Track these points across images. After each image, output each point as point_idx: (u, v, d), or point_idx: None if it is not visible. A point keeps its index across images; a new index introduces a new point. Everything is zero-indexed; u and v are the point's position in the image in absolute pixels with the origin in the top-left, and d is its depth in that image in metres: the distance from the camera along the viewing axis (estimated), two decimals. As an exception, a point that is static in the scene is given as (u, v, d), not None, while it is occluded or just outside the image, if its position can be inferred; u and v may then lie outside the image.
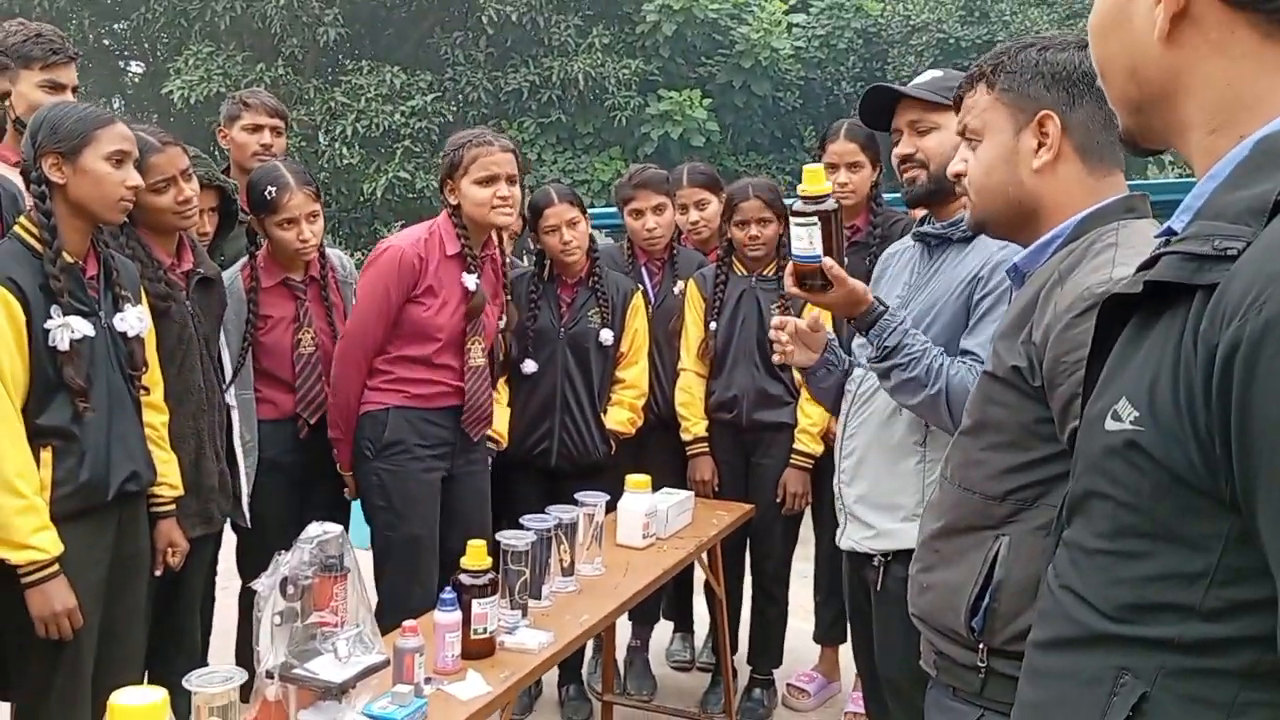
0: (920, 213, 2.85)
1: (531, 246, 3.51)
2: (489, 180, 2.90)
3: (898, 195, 2.44)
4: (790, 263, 2.14)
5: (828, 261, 2.06)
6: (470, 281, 2.93)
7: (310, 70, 14.31)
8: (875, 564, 2.20)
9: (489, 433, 3.24)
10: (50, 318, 2.19)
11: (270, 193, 2.95)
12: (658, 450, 3.59)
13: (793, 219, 2.09)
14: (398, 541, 2.93)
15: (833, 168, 3.34)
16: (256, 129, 3.45)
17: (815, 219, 2.04)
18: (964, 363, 2.06)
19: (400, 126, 13.23)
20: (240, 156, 3.46)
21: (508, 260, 3.79)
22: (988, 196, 1.61)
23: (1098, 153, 1.53)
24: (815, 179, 2.08)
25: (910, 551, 2.09)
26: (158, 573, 2.52)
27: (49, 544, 2.16)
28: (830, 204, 2.08)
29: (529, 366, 3.37)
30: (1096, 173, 1.54)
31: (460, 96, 14.05)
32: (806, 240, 2.06)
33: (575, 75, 13.70)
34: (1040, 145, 1.54)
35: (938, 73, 2.25)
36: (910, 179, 2.20)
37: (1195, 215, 0.81)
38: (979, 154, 1.61)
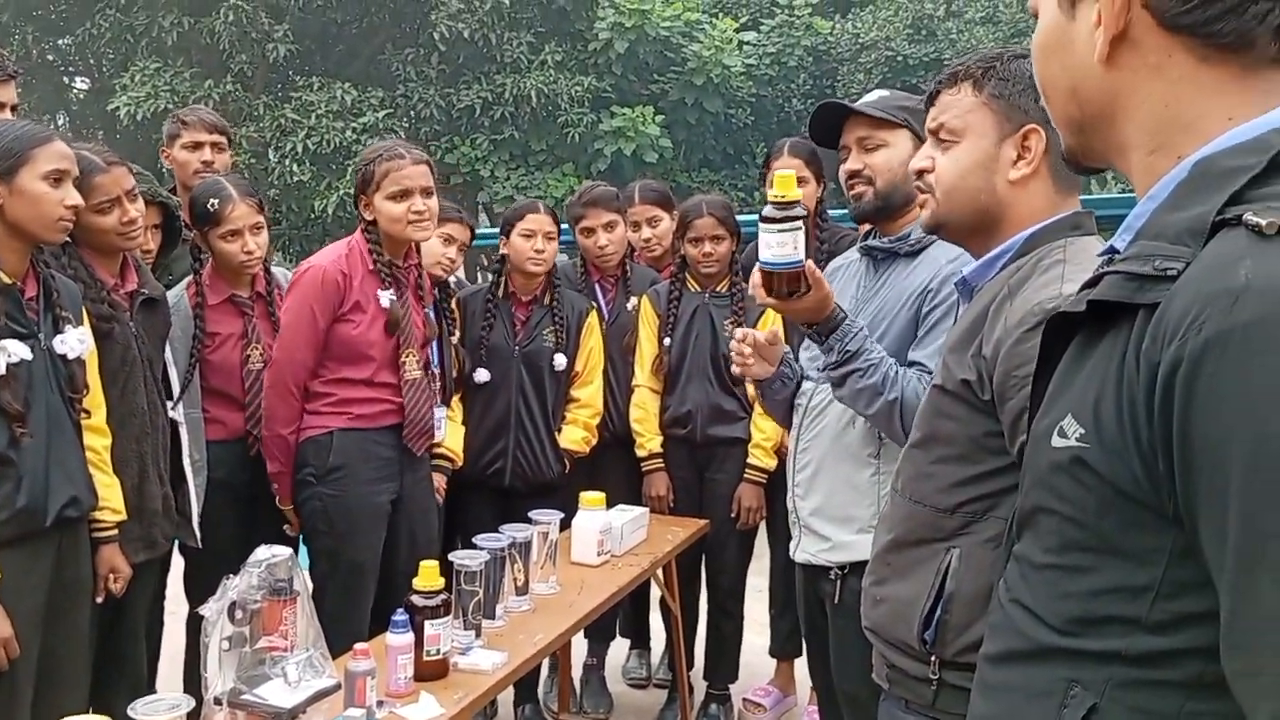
0: (866, 227, 2.90)
1: (485, 263, 3.49)
2: (402, 195, 2.85)
3: (844, 211, 2.45)
4: (760, 272, 2.05)
5: (811, 265, 2.02)
6: (384, 298, 2.88)
7: (260, 87, 14.16)
8: (832, 576, 2.21)
9: (443, 451, 3.22)
10: None
11: (213, 205, 2.92)
12: (613, 467, 3.58)
13: (768, 226, 1.99)
14: (340, 568, 2.88)
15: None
16: (196, 146, 3.42)
17: (800, 223, 1.98)
18: (914, 373, 2.08)
19: (352, 143, 13.10)
20: (183, 175, 3.42)
21: (456, 279, 3.78)
22: (957, 198, 1.60)
23: (1066, 173, 1.55)
24: (788, 184, 2.00)
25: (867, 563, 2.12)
26: (99, 599, 2.46)
27: None
28: (803, 210, 2.03)
29: (481, 375, 3.35)
30: (1063, 191, 1.57)
31: (412, 113, 13.98)
32: (790, 246, 1.98)
33: (528, 92, 13.68)
34: (1020, 158, 1.55)
35: (885, 92, 2.28)
36: (857, 195, 2.22)
37: (1136, 235, 0.83)
38: (956, 154, 1.60)
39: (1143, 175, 0.87)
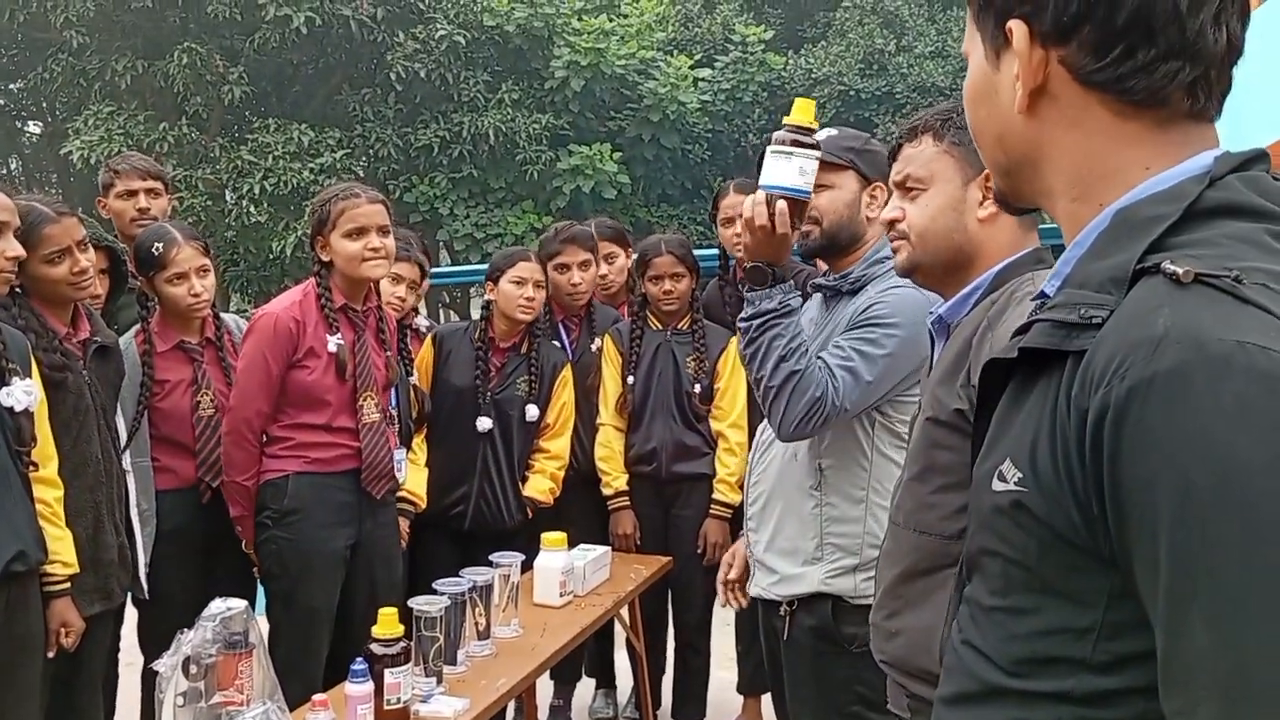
0: (823, 264, 2.94)
1: (446, 300, 3.48)
2: (359, 233, 2.85)
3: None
4: (762, 193, 1.97)
5: (814, 197, 2.00)
6: (331, 343, 2.85)
7: (215, 129, 14.11)
8: (781, 612, 2.21)
9: (405, 494, 3.19)
10: None
11: (157, 249, 2.90)
12: (578, 506, 3.57)
13: (781, 149, 1.91)
14: (295, 611, 2.84)
15: (728, 221, 3.41)
16: (130, 194, 3.38)
17: (817, 154, 1.91)
18: (819, 363, 2.08)
19: (309, 184, 13.09)
20: (121, 225, 3.38)
21: (429, 323, 3.78)
22: (931, 240, 1.67)
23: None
24: (807, 111, 1.91)
25: (815, 596, 2.13)
26: (50, 654, 2.41)
27: None
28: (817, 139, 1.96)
29: (484, 424, 3.32)
30: (1025, 226, 1.65)
31: (370, 152, 14.00)
32: (797, 171, 1.90)
33: (486, 130, 13.76)
34: (985, 197, 1.62)
35: (833, 131, 2.30)
36: (804, 233, 2.24)
37: (1064, 282, 0.85)
38: (925, 200, 1.68)
39: (1068, 222, 0.90)
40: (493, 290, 3.35)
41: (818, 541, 2.13)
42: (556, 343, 3.58)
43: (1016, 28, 0.85)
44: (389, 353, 3.02)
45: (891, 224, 1.72)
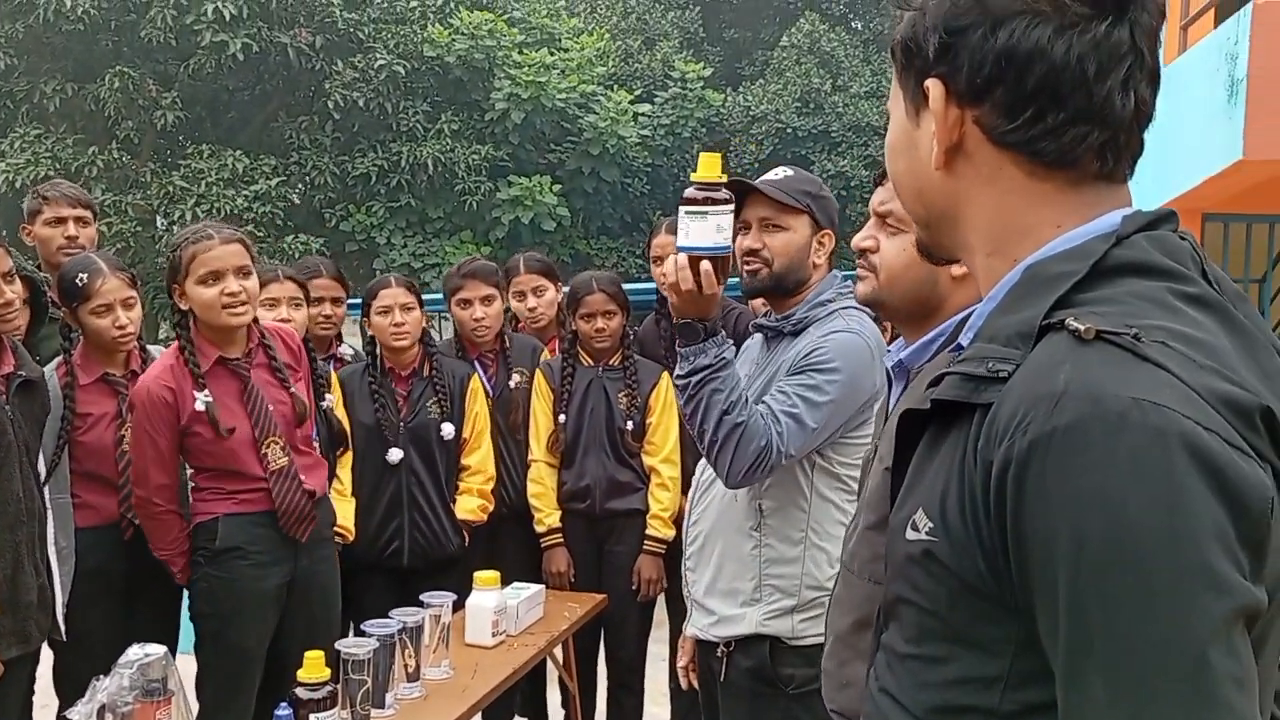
0: (759, 303, 2.95)
1: (364, 334, 3.46)
2: (214, 277, 2.69)
3: (735, 281, 2.45)
4: (684, 255, 1.96)
5: (735, 247, 2.01)
6: (200, 401, 2.71)
7: (147, 154, 13.87)
8: (719, 653, 2.21)
9: (335, 527, 3.14)
10: None
11: (82, 279, 2.83)
12: (510, 542, 3.55)
13: (695, 209, 1.91)
14: (224, 651, 2.78)
15: (659, 260, 3.43)
16: (59, 221, 3.33)
17: (731, 207, 1.92)
18: (762, 409, 2.10)
19: (244, 210, 12.92)
20: (46, 252, 3.32)
21: (354, 351, 3.74)
22: (899, 286, 1.65)
23: None
24: (714, 166, 1.92)
25: (753, 637, 2.13)
26: None
27: None
28: (728, 193, 1.96)
29: (395, 455, 3.31)
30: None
31: (306, 180, 13.86)
32: (714, 229, 1.90)
33: (424, 160, 13.71)
34: None
35: (790, 171, 2.28)
36: (752, 271, 2.23)
37: (976, 335, 0.87)
38: (903, 245, 1.63)
39: (984, 275, 0.92)
40: (369, 325, 3.37)
41: (756, 583, 2.14)
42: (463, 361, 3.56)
43: (934, 86, 0.88)
44: (293, 389, 2.88)
45: (863, 252, 1.69)
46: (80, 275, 2.85)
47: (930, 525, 0.81)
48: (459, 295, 3.53)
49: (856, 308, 2.12)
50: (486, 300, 3.52)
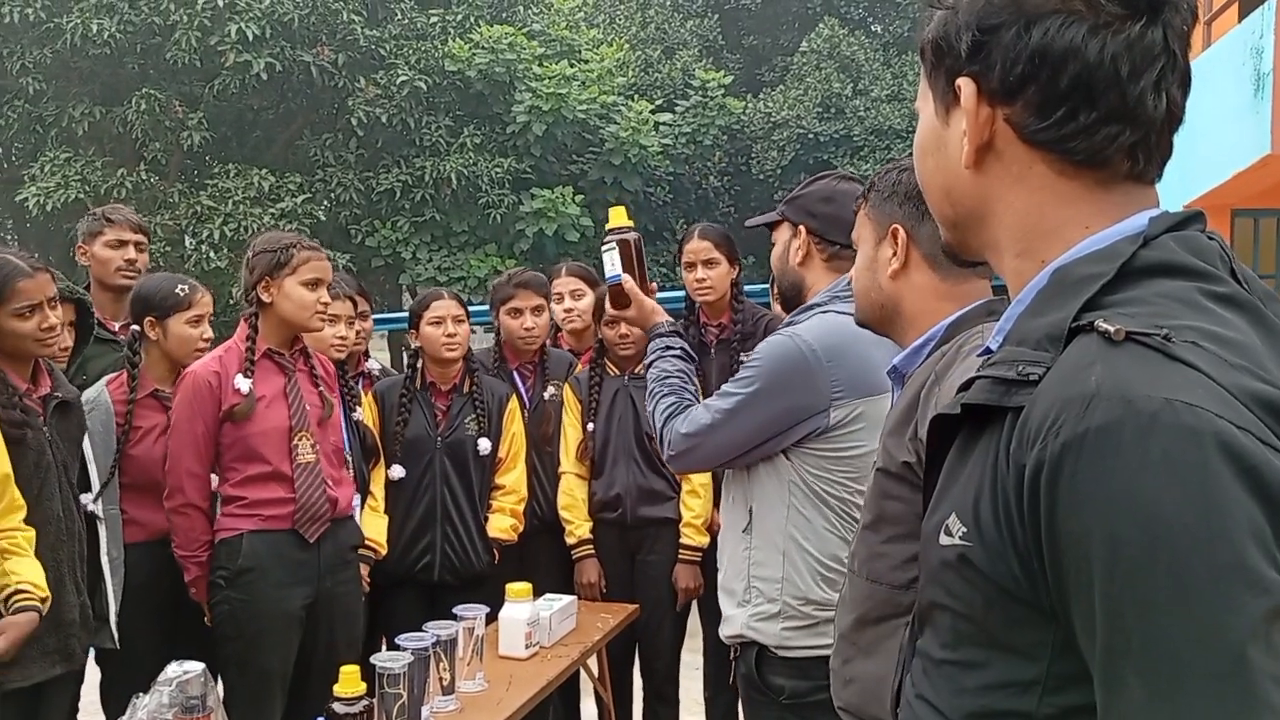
0: (779, 309, 3.00)
1: (409, 345, 3.49)
2: (316, 283, 2.89)
3: (763, 287, 2.62)
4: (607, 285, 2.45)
5: (625, 278, 2.38)
6: (243, 384, 2.85)
7: (174, 174, 14.03)
8: (732, 655, 2.22)
9: (367, 541, 3.16)
10: None
11: (183, 290, 3.00)
12: (542, 555, 3.56)
13: (603, 249, 2.43)
14: (249, 674, 2.81)
15: (690, 265, 3.45)
16: (121, 244, 3.40)
17: (614, 244, 2.40)
18: (684, 403, 2.21)
19: (270, 228, 13.00)
20: (104, 273, 3.38)
21: (381, 368, 3.77)
22: (859, 298, 1.75)
23: (947, 262, 1.63)
24: (618, 216, 2.48)
25: (747, 644, 2.13)
26: None
27: None
28: (631, 235, 2.42)
29: (396, 472, 3.33)
30: (949, 279, 1.66)
31: (332, 197, 13.95)
32: (609, 265, 2.41)
33: (448, 174, 13.77)
34: (893, 253, 1.67)
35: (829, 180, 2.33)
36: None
37: (1005, 339, 0.87)
38: (856, 263, 1.76)
39: (1012, 278, 0.93)
40: (416, 337, 3.38)
41: (745, 584, 2.15)
42: (505, 383, 3.59)
43: (965, 85, 0.88)
44: (321, 389, 3.01)
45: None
46: (182, 287, 3.00)
47: (964, 530, 0.81)
48: (510, 304, 3.57)
49: (839, 311, 2.09)
50: (537, 310, 3.57)
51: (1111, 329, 0.75)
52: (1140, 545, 0.69)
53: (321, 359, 3.11)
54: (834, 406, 2.05)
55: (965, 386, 0.86)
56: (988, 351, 0.92)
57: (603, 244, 2.45)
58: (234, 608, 2.80)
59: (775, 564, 2.11)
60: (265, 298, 2.89)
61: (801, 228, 2.18)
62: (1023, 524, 0.76)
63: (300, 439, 2.88)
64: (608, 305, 2.54)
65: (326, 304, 2.92)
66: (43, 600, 2.32)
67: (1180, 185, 4.96)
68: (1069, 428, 0.73)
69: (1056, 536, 0.73)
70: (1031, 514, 0.75)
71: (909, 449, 1.51)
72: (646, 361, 2.37)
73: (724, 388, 2.17)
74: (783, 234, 2.24)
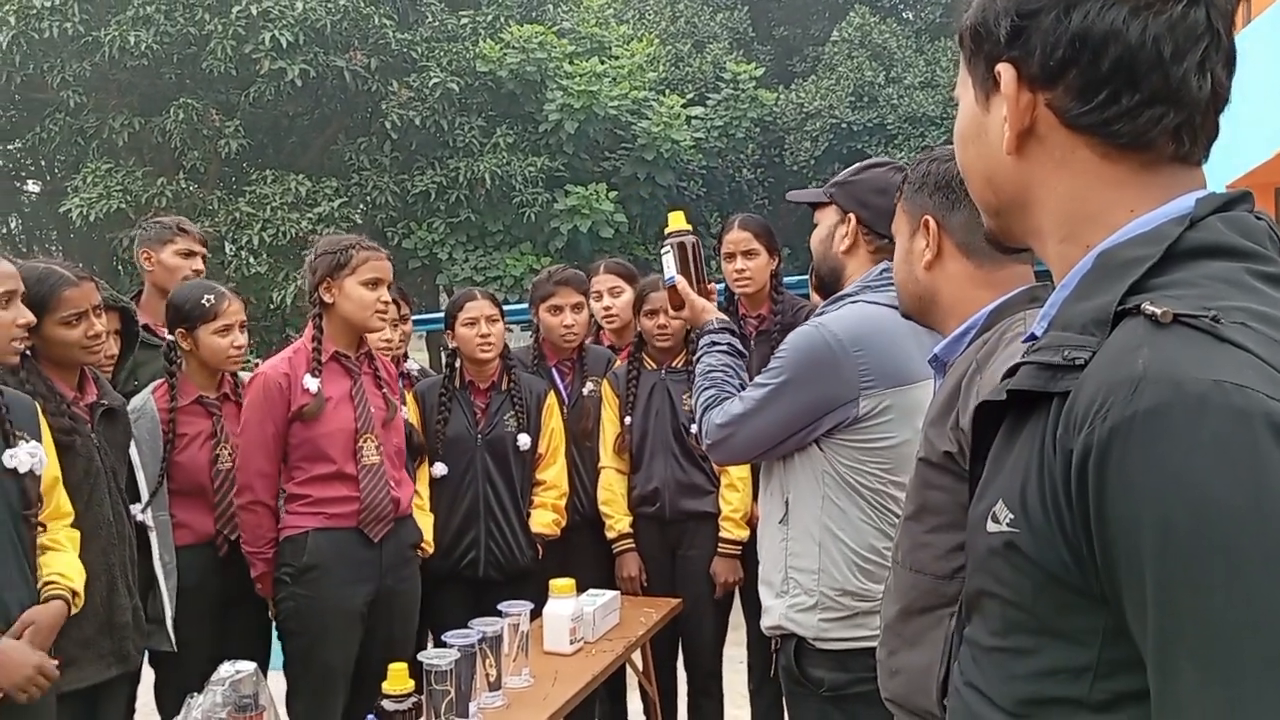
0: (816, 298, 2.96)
1: (446, 345, 3.52)
2: (375, 283, 2.94)
3: (802, 278, 2.62)
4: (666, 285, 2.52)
5: (679, 280, 2.45)
6: (312, 384, 2.90)
7: (213, 181, 14.21)
8: (774, 647, 2.22)
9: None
10: None
11: (209, 300, 3.01)
12: (584, 550, 3.58)
13: (661, 253, 2.53)
14: (312, 670, 2.86)
15: (730, 256, 3.44)
16: (190, 255, 3.46)
17: (671, 247, 2.47)
18: (722, 397, 2.23)
19: (308, 233, 13.14)
20: (168, 279, 3.40)
21: (420, 368, 3.81)
22: (901, 290, 1.75)
23: (982, 249, 1.62)
24: (677, 220, 2.55)
25: (786, 636, 2.13)
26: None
27: None
28: (688, 238, 2.49)
29: (439, 470, 3.36)
30: (985, 267, 1.64)
31: (368, 200, 14.07)
32: (667, 267, 2.49)
33: (482, 175, 13.84)
34: (926, 245, 1.66)
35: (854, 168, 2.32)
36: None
37: (1050, 324, 0.86)
38: (895, 255, 1.75)
39: (1056, 263, 0.92)
40: (453, 337, 3.41)
41: (783, 575, 2.15)
42: (545, 381, 3.61)
43: (1005, 71, 0.88)
44: (384, 390, 3.06)
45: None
46: (208, 296, 3.01)
47: (1011, 516, 0.81)
48: (550, 302, 3.59)
49: (871, 301, 2.08)
50: (576, 308, 3.60)
51: (1159, 311, 0.75)
52: (1191, 529, 0.69)
53: (384, 361, 3.16)
54: (863, 396, 2.04)
55: (1010, 373, 0.85)
56: (1032, 338, 0.91)
57: (660, 248, 2.53)
58: (298, 604, 2.85)
59: (811, 555, 2.11)
60: (327, 299, 2.94)
61: (851, 215, 2.15)
62: (1071, 509, 0.75)
63: (365, 440, 2.93)
64: (667, 305, 2.65)
65: (387, 303, 2.96)
66: (72, 593, 2.33)
67: (1223, 164, 4.88)
68: (1117, 411, 0.72)
69: (1106, 521, 0.73)
70: (1080, 499, 0.74)
71: (951, 438, 1.50)
72: (695, 358, 2.39)
73: (756, 379, 2.18)
74: (829, 217, 2.20)
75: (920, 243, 1.67)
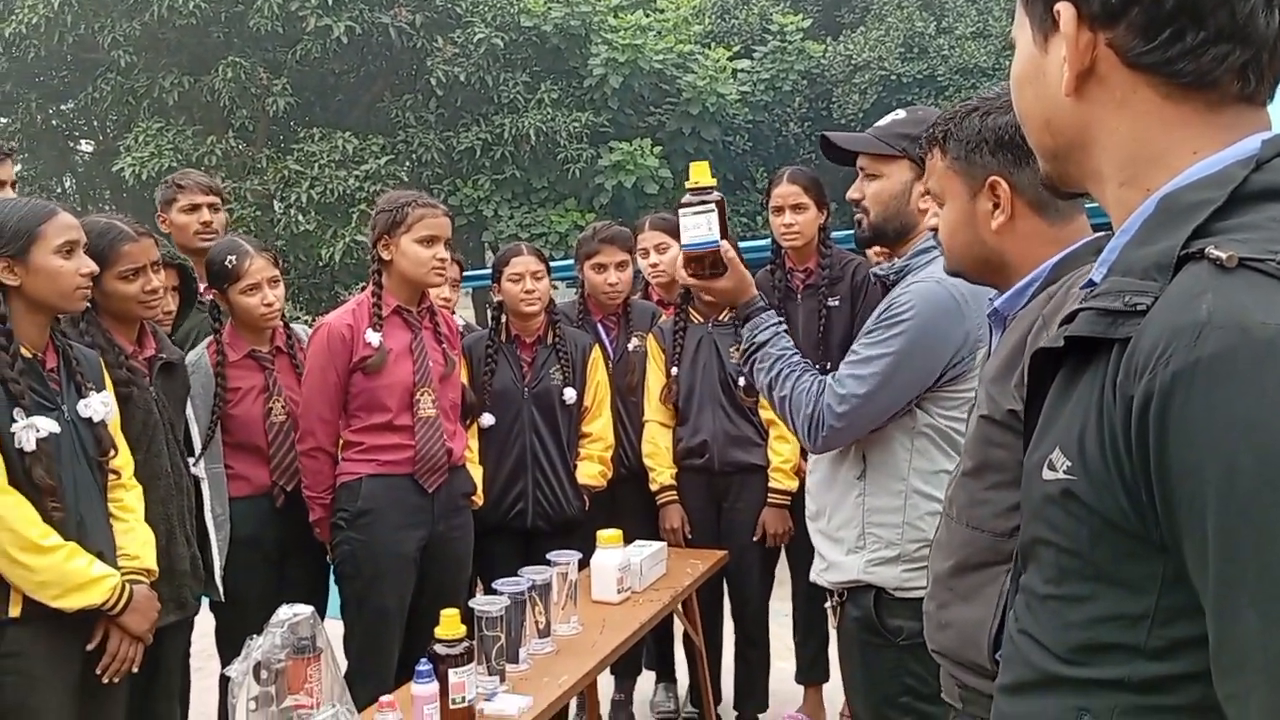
0: (872, 253, 2.90)
1: (492, 300, 3.54)
2: (431, 240, 2.96)
3: (849, 233, 2.48)
4: (683, 254, 2.22)
5: (725, 245, 2.16)
6: (373, 338, 2.94)
7: (262, 140, 14.32)
8: (832, 603, 2.22)
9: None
10: (14, 420, 2.16)
11: (230, 261, 3.01)
12: (630, 502, 3.61)
13: (686, 210, 2.16)
14: (367, 612, 2.94)
15: (778, 210, 3.41)
16: (194, 209, 3.48)
17: (713, 207, 2.14)
18: (816, 378, 2.14)
19: (355, 190, 13.24)
20: (183, 238, 3.47)
21: (465, 323, 3.84)
22: (956, 254, 1.68)
23: (1052, 204, 1.58)
24: (702, 172, 2.20)
25: (860, 587, 2.13)
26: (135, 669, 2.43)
27: (107, 570, 2.23)
28: (719, 195, 2.17)
29: (487, 420, 3.39)
30: (1057, 223, 1.60)
31: (414, 158, 14.11)
32: (705, 227, 2.15)
33: (526, 131, 13.81)
34: (996, 206, 1.59)
35: (902, 113, 2.24)
36: (856, 221, 2.24)
37: (1110, 270, 0.85)
38: (944, 216, 1.68)
39: (1116, 207, 0.90)
40: (499, 291, 3.44)
41: (859, 531, 2.14)
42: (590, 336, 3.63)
43: (1064, 10, 0.85)
44: (444, 345, 3.10)
45: (935, 231, 1.75)
46: (230, 258, 3.02)
47: (1068, 464, 0.80)
48: (595, 259, 3.61)
49: None
50: (621, 265, 3.61)
51: (1223, 255, 0.73)
52: (1256, 474, 0.68)
53: (446, 316, 3.20)
54: (980, 346, 2.00)
55: (1069, 319, 0.84)
56: (1091, 284, 0.90)
57: (685, 205, 2.16)
58: (354, 548, 2.93)
59: (895, 510, 2.10)
60: (385, 255, 2.99)
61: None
62: (1130, 456, 0.74)
63: (422, 394, 2.98)
64: (686, 273, 2.24)
65: (444, 259, 2.99)
66: (146, 571, 2.42)
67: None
68: (1180, 357, 0.71)
69: (1167, 468, 0.72)
70: (1140, 446, 0.73)
71: (1015, 396, 1.47)
72: (759, 338, 2.22)
73: (865, 351, 2.10)
74: (901, 173, 2.14)
75: (985, 205, 1.61)
